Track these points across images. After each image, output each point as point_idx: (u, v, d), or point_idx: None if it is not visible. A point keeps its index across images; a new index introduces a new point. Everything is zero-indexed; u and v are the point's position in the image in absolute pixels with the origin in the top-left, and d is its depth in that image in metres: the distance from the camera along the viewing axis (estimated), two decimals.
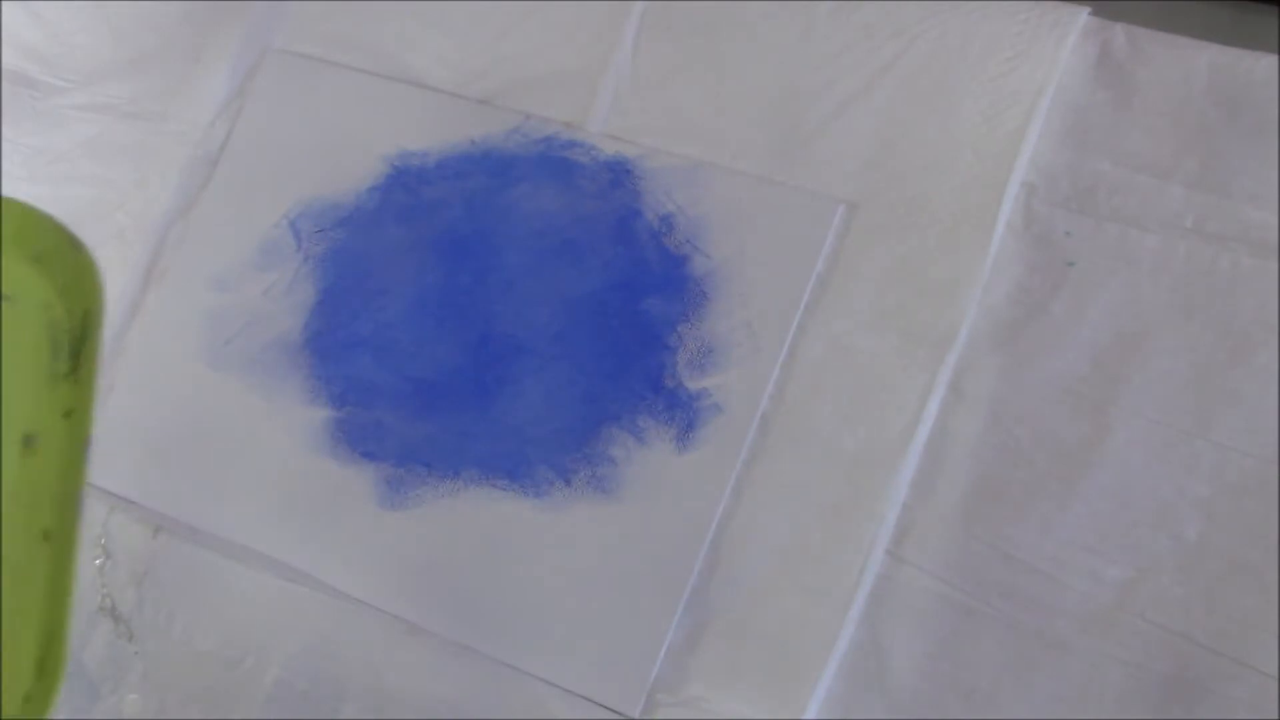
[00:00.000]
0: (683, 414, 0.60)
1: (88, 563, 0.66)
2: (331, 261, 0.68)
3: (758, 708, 0.55)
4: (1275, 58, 0.57)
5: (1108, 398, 0.55)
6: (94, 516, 0.67)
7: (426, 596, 0.61)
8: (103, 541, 0.66)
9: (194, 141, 0.72)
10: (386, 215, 0.67)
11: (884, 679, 0.55)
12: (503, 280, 0.64)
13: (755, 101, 0.64)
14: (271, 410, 0.65)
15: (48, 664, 0.44)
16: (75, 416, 0.48)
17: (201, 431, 0.67)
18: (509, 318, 0.64)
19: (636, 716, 0.56)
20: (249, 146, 0.71)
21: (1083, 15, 0.60)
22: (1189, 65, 0.58)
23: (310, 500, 0.64)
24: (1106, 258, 0.57)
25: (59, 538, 0.45)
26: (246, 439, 0.65)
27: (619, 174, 0.65)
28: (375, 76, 0.70)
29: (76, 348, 0.49)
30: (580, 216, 0.64)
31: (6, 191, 0.53)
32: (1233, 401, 0.54)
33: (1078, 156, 0.59)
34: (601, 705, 0.57)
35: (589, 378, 0.62)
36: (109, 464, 0.66)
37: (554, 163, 0.66)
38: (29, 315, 0.49)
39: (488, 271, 0.65)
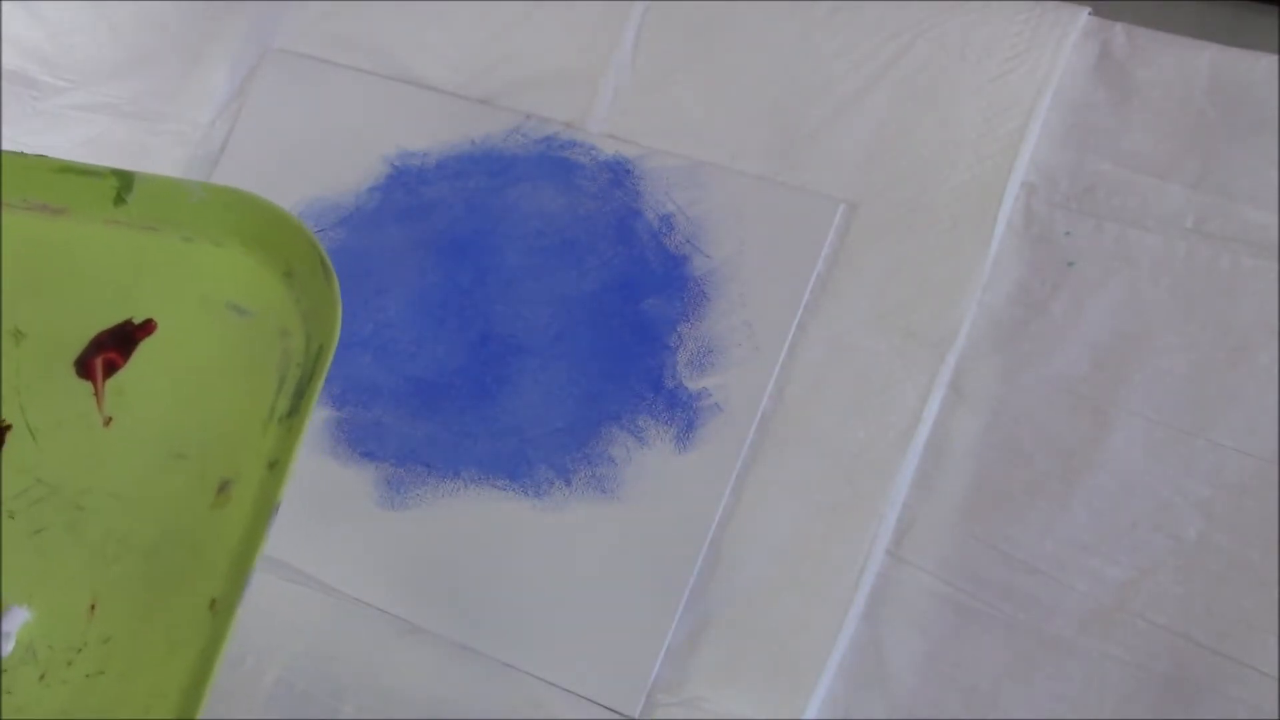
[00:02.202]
0: (683, 414, 0.60)
1: None
2: (331, 261, 0.67)
3: (758, 708, 0.55)
4: (1275, 58, 0.57)
5: (1108, 398, 0.55)
6: None
7: (426, 596, 0.61)
8: None
9: (194, 141, 0.72)
10: (386, 215, 0.67)
11: (884, 679, 0.55)
12: (502, 280, 0.64)
13: (755, 101, 0.64)
14: None
15: None
16: (278, 469, 0.41)
17: None
18: (509, 318, 0.64)
19: (636, 716, 0.56)
20: (249, 146, 0.71)
21: (1083, 15, 0.60)
22: (1189, 65, 0.58)
23: (310, 500, 0.63)
24: (1106, 258, 0.57)
25: (224, 610, 0.39)
26: None
27: (619, 174, 0.65)
28: (375, 76, 0.70)
29: (302, 388, 0.42)
30: (580, 216, 0.64)
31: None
32: (1233, 401, 0.54)
33: (1078, 156, 0.59)
34: (601, 705, 0.57)
35: (589, 378, 0.62)
36: None
37: (554, 163, 0.66)
38: (265, 339, 0.43)
39: (488, 271, 0.65)
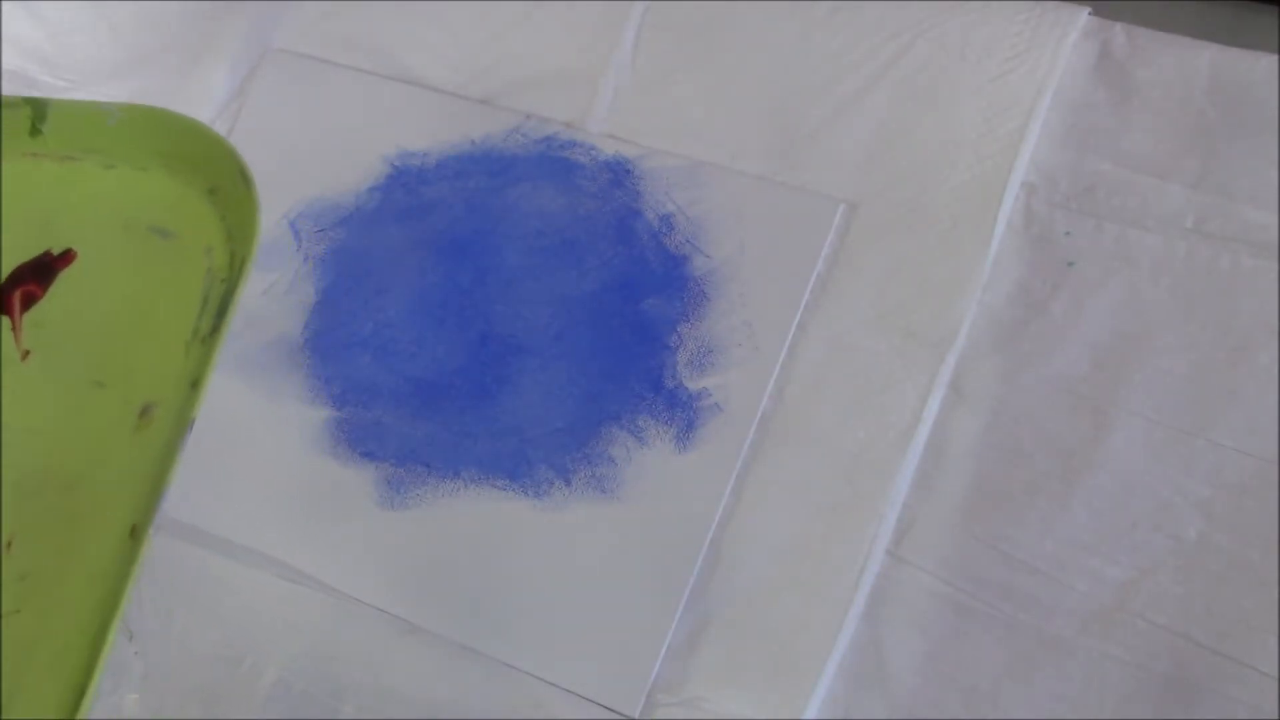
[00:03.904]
0: (683, 414, 0.60)
1: None
2: (331, 261, 0.68)
3: (758, 708, 0.55)
4: (1275, 58, 0.57)
5: (1108, 398, 0.55)
6: None
7: (426, 596, 0.61)
8: None
9: None
10: (386, 215, 0.67)
11: (884, 679, 0.55)
12: (502, 280, 0.64)
13: (755, 101, 0.64)
14: (271, 410, 0.65)
15: (90, 674, 0.38)
16: (198, 389, 0.40)
17: (201, 431, 0.66)
18: (509, 318, 0.64)
19: (636, 716, 0.56)
20: (249, 147, 0.70)
21: (1083, 15, 0.60)
22: (1189, 65, 0.58)
23: (310, 500, 0.63)
24: (1106, 258, 0.57)
25: (140, 536, 0.38)
26: (246, 439, 0.65)
27: (619, 174, 0.65)
28: (375, 76, 0.70)
29: (224, 304, 0.40)
30: (580, 216, 0.64)
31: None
32: (1233, 401, 0.54)
33: (1078, 156, 0.59)
34: (601, 705, 0.57)
35: (589, 378, 0.62)
36: None
37: (554, 163, 0.66)
38: (190, 259, 0.41)
39: (488, 271, 0.65)
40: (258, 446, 0.65)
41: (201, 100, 0.73)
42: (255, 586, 0.63)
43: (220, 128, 0.72)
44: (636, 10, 0.67)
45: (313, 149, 0.70)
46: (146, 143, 0.43)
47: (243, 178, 0.42)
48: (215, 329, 0.40)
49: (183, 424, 0.39)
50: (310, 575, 0.62)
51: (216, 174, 0.43)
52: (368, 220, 0.68)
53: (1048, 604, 0.53)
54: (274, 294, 0.68)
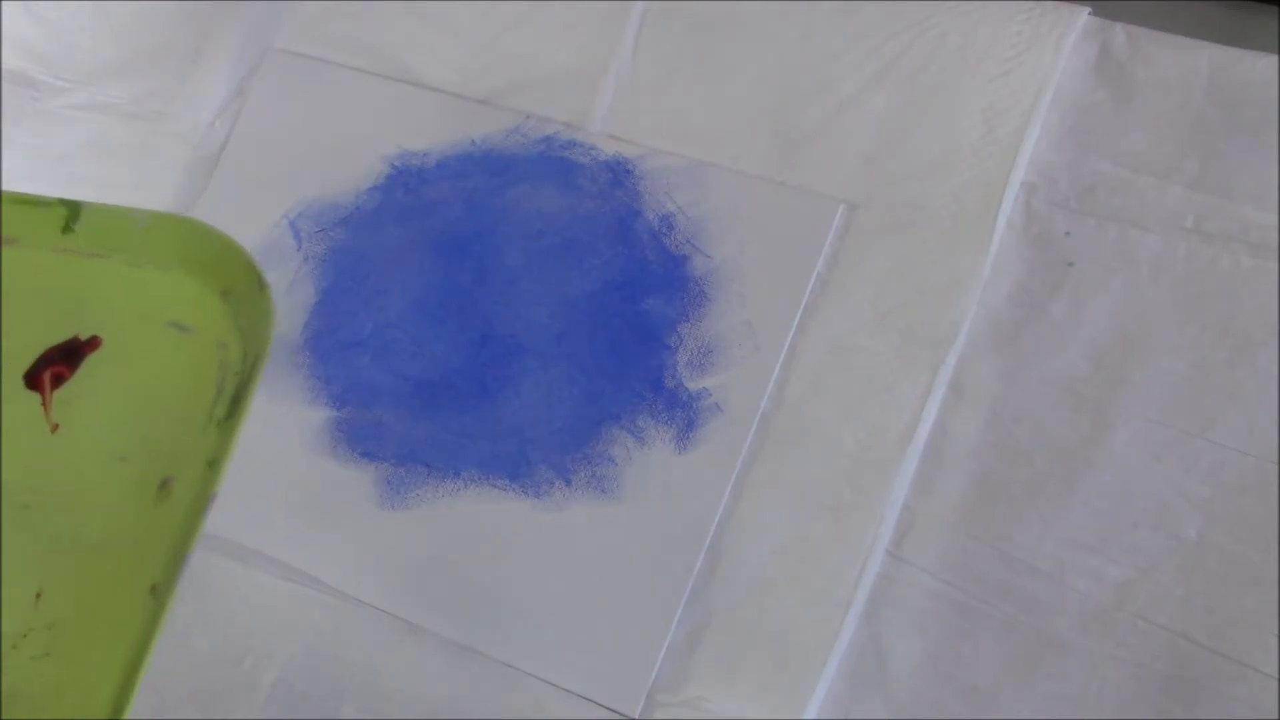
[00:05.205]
0: (683, 414, 0.60)
1: None
2: (331, 261, 0.68)
3: (758, 708, 0.55)
4: (1275, 58, 0.57)
5: (1108, 398, 0.55)
6: None
7: (426, 596, 0.61)
8: None
9: (194, 141, 0.72)
10: (386, 215, 0.67)
11: (884, 679, 0.55)
12: (503, 280, 0.64)
13: (755, 101, 0.64)
14: (271, 410, 0.65)
15: (121, 711, 0.42)
16: (215, 467, 0.44)
17: None
18: (509, 318, 0.64)
19: (636, 716, 0.56)
20: (249, 146, 0.71)
21: (1083, 15, 0.60)
22: (1189, 65, 0.58)
23: (310, 500, 0.64)
24: (1106, 258, 0.57)
25: (163, 594, 0.42)
26: (246, 439, 0.65)
27: (619, 174, 0.65)
28: (375, 76, 0.70)
29: (239, 394, 0.46)
30: (580, 216, 0.64)
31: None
32: (1233, 401, 0.54)
33: (1078, 156, 0.59)
34: (601, 705, 0.57)
35: (589, 378, 0.62)
36: None
37: (554, 162, 0.66)
38: (204, 352, 0.47)
39: (488, 271, 0.65)
40: (258, 447, 0.65)
41: (201, 100, 0.73)
42: (255, 587, 0.63)
43: (220, 128, 0.72)
44: (636, 10, 0.67)
45: (313, 149, 0.70)
46: (170, 246, 0.49)
47: (257, 282, 0.47)
48: (230, 414, 0.45)
49: (202, 499, 0.43)
50: (310, 575, 0.62)
51: (231, 278, 0.48)
52: (368, 220, 0.68)
53: (1048, 604, 0.53)
54: (274, 294, 0.67)
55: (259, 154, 0.71)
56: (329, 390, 0.65)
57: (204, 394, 0.46)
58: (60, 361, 0.49)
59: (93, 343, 0.49)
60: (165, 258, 0.48)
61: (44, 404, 0.48)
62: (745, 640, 0.56)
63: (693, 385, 0.60)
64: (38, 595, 0.45)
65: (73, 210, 0.51)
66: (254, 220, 0.69)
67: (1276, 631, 0.51)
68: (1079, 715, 0.52)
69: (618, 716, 0.56)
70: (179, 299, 0.48)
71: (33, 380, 0.49)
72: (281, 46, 0.73)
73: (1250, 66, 0.57)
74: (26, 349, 0.49)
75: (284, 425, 0.65)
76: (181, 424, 0.45)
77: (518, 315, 0.64)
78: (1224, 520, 0.53)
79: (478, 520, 0.61)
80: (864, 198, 0.60)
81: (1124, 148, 0.58)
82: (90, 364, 0.49)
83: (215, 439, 0.45)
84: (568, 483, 0.60)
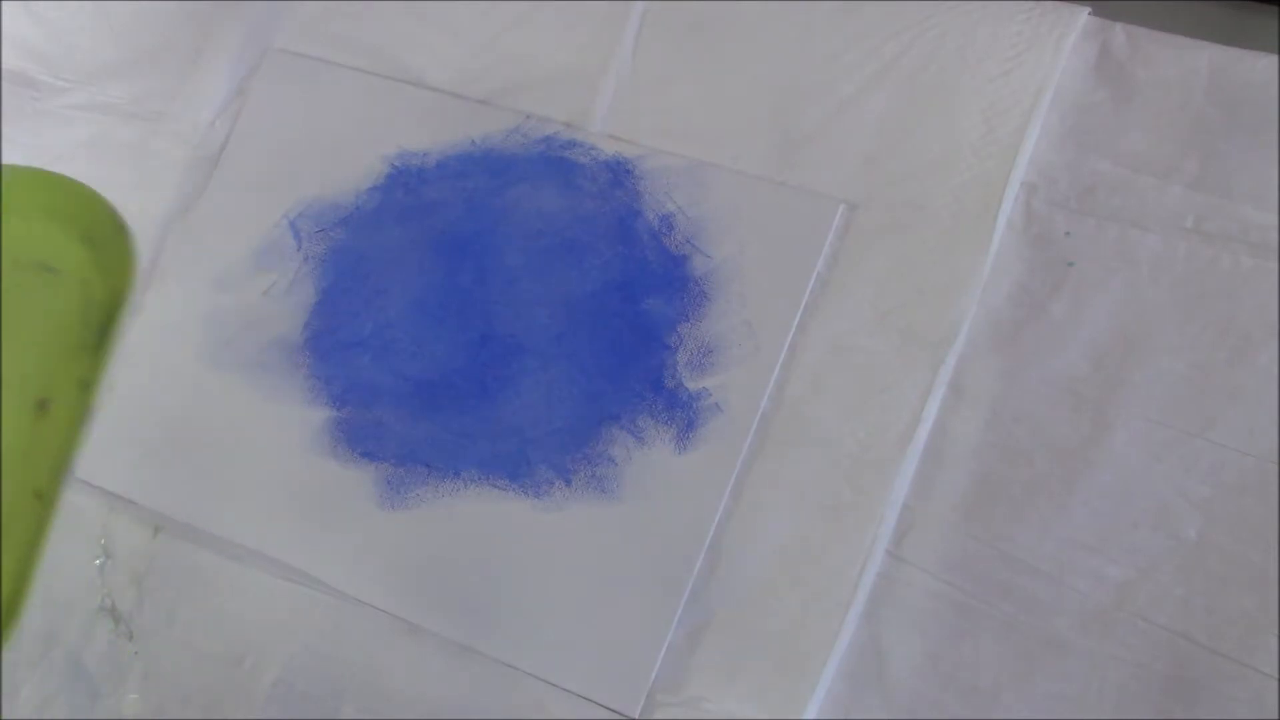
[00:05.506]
0: (683, 414, 0.60)
1: (87, 563, 0.66)
2: (331, 261, 0.68)
3: (758, 708, 0.55)
4: (1275, 58, 0.57)
5: (1108, 398, 0.55)
6: (94, 516, 0.67)
7: (426, 596, 0.61)
8: (103, 541, 0.66)
9: (194, 142, 0.72)
10: (386, 215, 0.68)
11: (884, 679, 0.55)
12: (503, 280, 0.64)
13: (755, 101, 0.64)
14: (271, 410, 0.65)
15: (14, 609, 0.46)
16: (89, 388, 0.50)
17: (201, 431, 0.67)
18: (509, 318, 0.64)
19: (636, 717, 0.56)
20: (249, 146, 0.71)
21: (1083, 15, 0.60)
22: (1189, 65, 0.58)
23: (310, 500, 0.64)
24: (1106, 258, 0.57)
25: (48, 499, 0.48)
26: (246, 439, 0.65)
27: (619, 174, 0.65)
28: (375, 76, 0.70)
29: (105, 323, 0.51)
30: (580, 216, 0.64)
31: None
32: (1233, 401, 0.54)
33: (1078, 156, 0.59)
34: (601, 705, 0.57)
35: (589, 378, 0.62)
36: (109, 464, 0.66)
37: (554, 162, 0.66)
38: (69, 288, 0.52)
39: (488, 271, 0.65)
40: (258, 447, 0.65)
41: (201, 100, 0.73)
42: (255, 586, 0.63)
43: (220, 128, 0.72)
44: (636, 10, 0.67)
45: (313, 149, 0.70)
46: (30, 198, 0.54)
47: (117, 226, 0.53)
48: (100, 342, 0.51)
49: (79, 414, 0.49)
50: (310, 575, 0.62)
51: (92, 224, 0.53)
52: (368, 220, 0.68)
53: (1048, 604, 0.54)
54: (274, 294, 0.68)
55: (259, 154, 0.71)
56: (329, 390, 0.65)
57: (70, 324, 0.51)
58: None
59: None
60: (27, 208, 0.54)
61: None
62: (745, 640, 0.56)
63: (693, 385, 0.60)
64: None
65: None
66: (254, 220, 0.69)
67: (1276, 631, 0.51)
68: (1079, 715, 0.52)
69: (618, 716, 0.56)
70: (43, 245, 0.53)
71: None
72: (281, 46, 0.73)
73: (1250, 66, 0.57)
74: None
75: (284, 425, 0.65)
76: (55, 351, 0.51)
77: (518, 315, 0.64)
78: (1224, 520, 0.53)
79: (478, 520, 0.61)
80: (864, 198, 0.60)
81: (1124, 148, 0.58)
82: None
83: (88, 363, 0.50)
84: (568, 483, 0.60)
